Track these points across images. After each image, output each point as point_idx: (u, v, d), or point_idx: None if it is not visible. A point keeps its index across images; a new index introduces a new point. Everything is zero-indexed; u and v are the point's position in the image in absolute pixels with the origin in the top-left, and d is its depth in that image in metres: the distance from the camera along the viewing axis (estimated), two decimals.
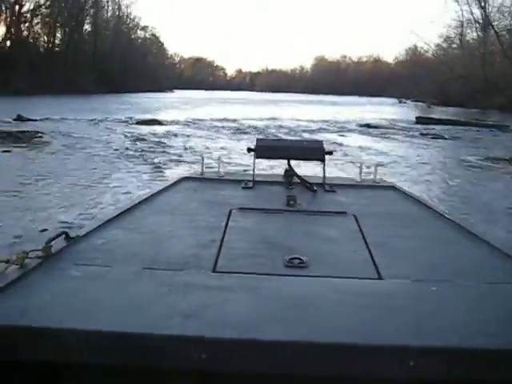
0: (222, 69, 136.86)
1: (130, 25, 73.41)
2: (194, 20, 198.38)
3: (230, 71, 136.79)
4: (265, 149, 3.16)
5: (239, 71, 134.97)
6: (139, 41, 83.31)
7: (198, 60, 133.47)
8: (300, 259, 1.69)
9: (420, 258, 1.83)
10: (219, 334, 1.17)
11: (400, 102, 61.18)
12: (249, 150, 3.16)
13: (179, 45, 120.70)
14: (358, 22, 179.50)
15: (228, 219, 2.21)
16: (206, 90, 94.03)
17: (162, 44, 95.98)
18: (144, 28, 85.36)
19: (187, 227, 2.12)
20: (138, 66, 62.39)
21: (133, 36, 74.39)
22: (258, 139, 3.27)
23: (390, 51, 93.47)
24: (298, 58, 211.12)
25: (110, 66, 54.09)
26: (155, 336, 1.16)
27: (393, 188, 3.11)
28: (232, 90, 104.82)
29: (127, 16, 71.34)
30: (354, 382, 1.22)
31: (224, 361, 1.16)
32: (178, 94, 61.39)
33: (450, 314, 1.34)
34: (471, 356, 1.15)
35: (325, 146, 3.23)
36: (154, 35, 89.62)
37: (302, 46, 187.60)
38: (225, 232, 2.03)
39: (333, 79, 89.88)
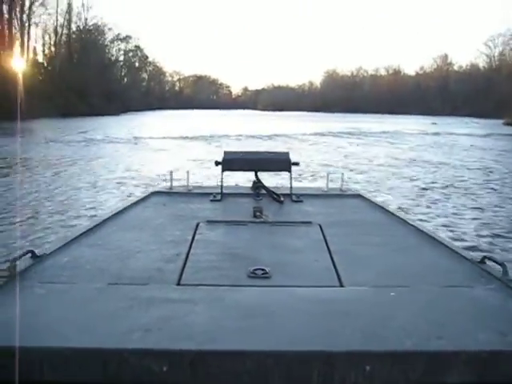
0: (227, 87, 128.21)
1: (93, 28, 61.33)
2: (197, 37, 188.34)
3: (236, 89, 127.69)
4: (232, 161, 3.11)
5: (245, 89, 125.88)
6: (116, 53, 72.15)
7: (200, 78, 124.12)
8: (263, 270, 1.72)
9: (381, 265, 1.85)
10: (180, 346, 1.18)
11: None
12: (216, 163, 3.10)
13: (180, 63, 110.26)
14: (371, 31, 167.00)
15: (195, 232, 2.22)
16: (206, 109, 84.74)
17: (147, 57, 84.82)
18: (126, 38, 74.31)
19: (154, 242, 2.10)
20: (93, 84, 48.33)
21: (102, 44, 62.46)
22: (225, 152, 3.19)
23: (410, 62, 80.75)
24: (307, 73, 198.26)
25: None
26: (116, 350, 1.17)
27: (359, 196, 3.16)
28: (237, 108, 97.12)
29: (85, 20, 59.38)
30: None
31: (185, 372, 1.16)
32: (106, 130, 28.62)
33: (406, 318, 1.35)
34: (426, 359, 1.18)
35: (291, 157, 3.17)
36: (138, 47, 78.71)
37: (311, 60, 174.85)
38: (191, 245, 2.04)
39: (347, 94, 77.32)
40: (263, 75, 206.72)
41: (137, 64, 79.99)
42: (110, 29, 65.08)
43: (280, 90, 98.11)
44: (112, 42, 69.51)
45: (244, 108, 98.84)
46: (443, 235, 2.59)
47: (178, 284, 1.62)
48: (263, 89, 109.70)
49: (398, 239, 2.19)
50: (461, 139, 26.63)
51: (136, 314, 1.35)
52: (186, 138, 23.90)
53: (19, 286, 1.52)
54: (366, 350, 1.18)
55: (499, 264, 1.69)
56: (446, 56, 72.11)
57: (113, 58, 69.51)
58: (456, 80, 61.66)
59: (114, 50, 70.69)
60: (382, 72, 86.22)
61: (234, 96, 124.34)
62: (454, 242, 2.10)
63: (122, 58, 73.95)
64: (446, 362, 1.16)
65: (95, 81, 48.06)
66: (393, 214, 2.65)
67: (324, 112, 71.69)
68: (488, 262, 1.78)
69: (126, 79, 76.90)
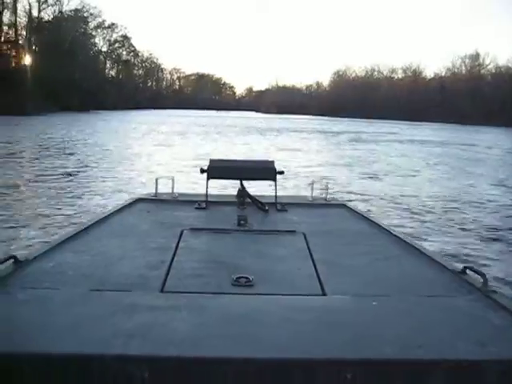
0: (231, 87, 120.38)
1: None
2: (201, 34, 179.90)
3: (240, 90, 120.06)
4: (217, 169, 3.08)
5: (249, 89, 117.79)
6: (100, 42, 63.55)
7: (202, 77, 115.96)
8: (247, 278, 1.73)
9: (364, 274, 1.87)
10: (162, 353, 1.19)
11: None
12: (201, 170, 3.05)
13: (181, 60, 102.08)
14: (385, 27, 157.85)
15: (179, 240, 2.24)
16: (208, 109, 77.10)
17: (135, 49, 76.01)
18: (110, 27, 65.68)
19: (138, 248, 2.11)
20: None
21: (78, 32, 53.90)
22: (211, 160, 3.13)
23: (430, 62, 71.48)
24: (315, 73, 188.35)
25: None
26: (98, 356, 1.18)
27: (343, 206, 3.14)
28: (240, 109, 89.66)
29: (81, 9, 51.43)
30: None
31: (166, 379, 1.18)
32: None
33: (387, 327, 1.38)
34: (406, 367, 1.21)
35: (276, 166, 3.15)
36: (125, 37, 70.15)
37: (320, 58, 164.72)
38: (175, 253, 2.04)
39: (359, 98, 68.41)
40: (269, 75, 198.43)
41: (124, 57, 71.40)
42: (91, 14, 56.85)
43: (285, 91, 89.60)
44: (95, 29, 61.17)
45: (247, 109, 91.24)
46: (426, 245, 2.61)
47: (162, 291, 1.62)
48: (267, 89, 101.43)
49: (381, 249, 2.22)
50: None
51: (118, 320, 1.34)
52: None
53: (1, 291, 1.52)
54: (347, 357, 1.20)
55: (480, 274, 1.71)
56: (477, 55, 63.17)
57: (95, 49, 61.05)
58: (490, 83, 53.05)
59: (97, 39, 62.45)
60: (400, 73, 77.50)
61: (237, 96, 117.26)
62: (436, 252, 2.12)
63: (104, 48, 65.59)
64: (425, 370, 1.19)
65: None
66: (377, 223, 2.67)
67: (331, 116, 63.03)
68: (469, 273, 1.80)
69: (110, 73, 68.42)
